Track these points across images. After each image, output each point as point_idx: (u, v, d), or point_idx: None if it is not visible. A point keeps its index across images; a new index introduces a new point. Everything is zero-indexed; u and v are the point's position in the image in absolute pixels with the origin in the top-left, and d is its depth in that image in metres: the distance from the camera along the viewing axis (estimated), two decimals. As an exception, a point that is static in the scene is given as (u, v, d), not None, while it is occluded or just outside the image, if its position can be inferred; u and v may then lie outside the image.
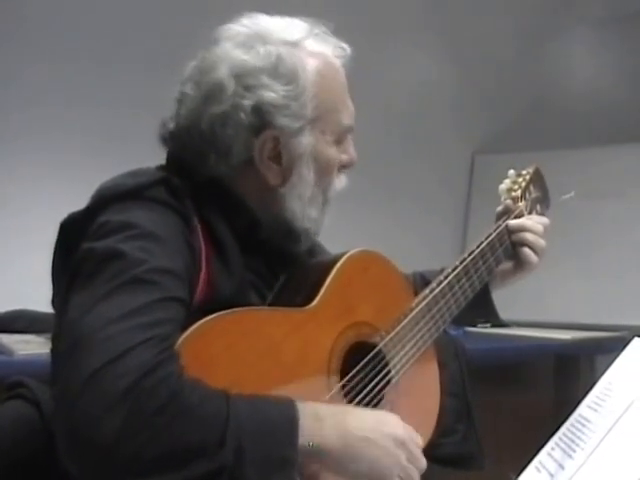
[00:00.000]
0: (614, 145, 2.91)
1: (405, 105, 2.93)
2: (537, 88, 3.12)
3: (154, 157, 1.13)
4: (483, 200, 3.01)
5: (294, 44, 1.08)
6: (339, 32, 1.14)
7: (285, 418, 0.88)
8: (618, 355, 1.03)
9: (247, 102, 1.04)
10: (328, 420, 0.91)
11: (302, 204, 1.10)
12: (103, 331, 0.83)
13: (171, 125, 1.11)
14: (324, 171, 1.11)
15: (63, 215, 1.03)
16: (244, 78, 1.05)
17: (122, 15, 2.39)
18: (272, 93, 1.05)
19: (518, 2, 3.07)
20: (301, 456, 0.88)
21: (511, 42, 3.11)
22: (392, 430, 0.96)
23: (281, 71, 1.05)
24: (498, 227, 1.32)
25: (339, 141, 1.13)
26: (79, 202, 1.03)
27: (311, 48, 1.09)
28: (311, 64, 1.08)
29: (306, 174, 1.09)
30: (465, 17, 3.01)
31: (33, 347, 1.72)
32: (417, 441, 0.99)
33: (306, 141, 1.08)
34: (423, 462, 0.99)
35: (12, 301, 1.99)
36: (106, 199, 0.99)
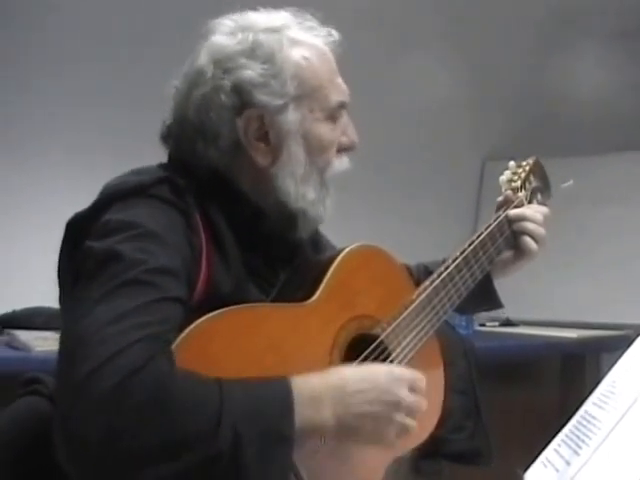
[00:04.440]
0: (619, 153, 2.96)
1: (421, 113, 2.95)
2: (545, 99, 3.15)
3: (163, 155, 1.14)
4: (492, 204, 3.03)
5: (274, 30, 1.09)
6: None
7: (279, 396, 0.89)
8: (623, 353, 1.03)
9: (226, 83, 1.06)
10: (325, 399, 0.92)
11: (295, 183, 1.09)
12: (96, 335, 0.84)
13: (168, 122, 1.13)
14: (317, 149, 1.11)
15: (78, 213, 1.04)
16: (222, 62, 1.07)
17: (136, 15, 2.42)
18: (249, 71, 1.06)
19: (530, 16, 3.08)
20: (299, 435, 0.89)
21: (522, 54, 3.14)
22: (390, 397, 0.97)
23: (258, 53, 1.07)
24: (498, 217, 1.33)
25: (331, 118, 1.12)
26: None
27: (293, 34, 1.10)
28: (291, 46, 1.09)
29: (296, 151, 1.09)
30: (479, 30, 3.04)
31: (50, 344, 1.73)
32: (419, 384, 1.01)
33: (292, 118, 1.08)
34: (422, 406, 1.01)
35: (30, 298, 2.01)
36: (109, 198, 1.01)
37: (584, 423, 0.96)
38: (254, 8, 1.14)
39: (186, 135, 1.09)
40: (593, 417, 0.96)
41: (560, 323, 2.74)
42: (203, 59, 1.09)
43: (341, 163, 1.15)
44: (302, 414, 0.89)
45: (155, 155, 1.12)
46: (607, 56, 3.15)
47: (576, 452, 0.92)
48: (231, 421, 0.84)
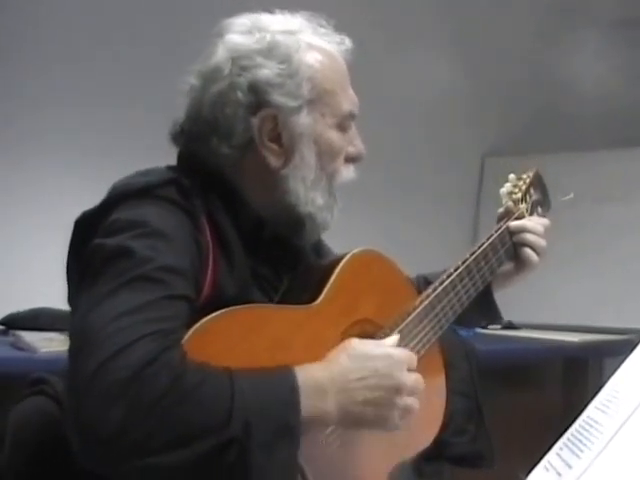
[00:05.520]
0: (622, 149, 2.91)
1: (418, 109, 2.95)
2: (544, 93, 3.13)
3: (164, 157, 1.15)
4: (493, 201, 3.00)
5: (290, 32, 1.11)
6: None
7: (285, 387, 0.91)
8: (626, 358, 1.03)
9: (243, 80, 1.07)
10: (328, 389, 0.94)
11: (305, 187, 1.10)
12: (108, 327, 0.85)
13: (180, 120, 1.13)
14: (327, 155, 1.12)
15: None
16: (240, 59, 1.08)
17: (137, 15, 2.42)
18: (266, 70, 1.07)
19: (529, 7, 3.07)
20: (303, 425, 0.90)
21: (520, 47, 3.11)
22: (391, 382, 0.99)
23: (275, 53, 1.08)
24: (499, 228, 1.34)
25: (341, 127, 1.13)
26: (98, 201, 1.05)
27: (309, 39, 1.12)
28: (307, 49, 1.10)
29: (308, 155, 1.10)
30: (477, 23, 3.03)
31: (56, 345, 1.74)
32: (414, 363, 1.03)
33: (305, 121, 1.09)
34: (420, 385, 1.02)
35: (34, 299, 2.02)
36: (117, 197, 1.02)
37: (586, 427, 0.97)
38: (267, 9, 1.16)
39: (199, 132, 1.10)
40: (595, 421, 0.96)
41: (562, 327, 2.73)
42: (220, 56, 1.10)
43: (348, 172, 1.16)
44: (307, 404, 0.91)
45: (154, 155, 1.13)
46: (608, 46, 3.09)
47: (578, 456, 0.92)
48: (242, 412, 0.86)
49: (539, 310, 2.76)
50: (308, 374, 0.94)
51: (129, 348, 0.84)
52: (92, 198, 1.06)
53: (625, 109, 3.07)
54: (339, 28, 1.17)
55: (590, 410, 1.00)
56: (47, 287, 1.90)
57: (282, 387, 0.91)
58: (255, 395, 0.88)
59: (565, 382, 2.67)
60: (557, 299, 2.79)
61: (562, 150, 2.89)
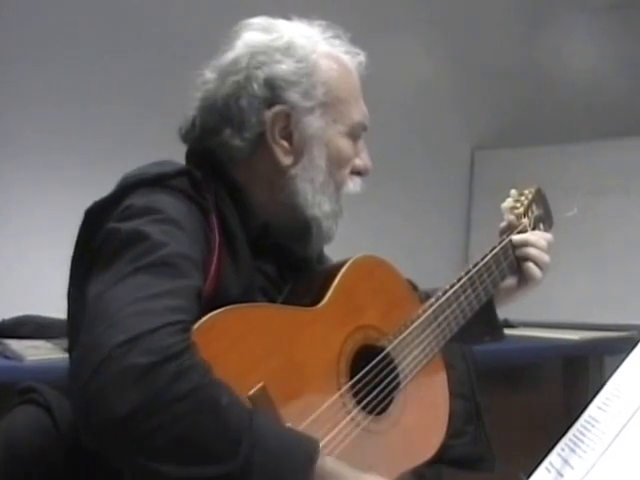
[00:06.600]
0: (616, 138, 2.87)
1: (404, 102, 2.91)
2: (536, 81, 3.09)
3: (150, 155, 1.13)
4: (484, 195, 3.00)
5: (307, 37, 1.14)
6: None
7: (305, 451, 0.88)
8: (627, 355, 1.02)
9: (260, 74, 1.09)
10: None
11: (313, 189, 1.12)
12: (128, 307, 0.84)
13: (191, 113, 1.14)
14: (336, 161, 1.13)
15: (67, 220, 1.05)
16: (258, 54, 1.11)
17: (120, 13, 2.40)
18: (284, 66, 1.10)
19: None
20: None
21: (510, 35, 3.09)
22: None
23: (292, 52, 1.11)
24: (502, 241, 1.33)
25: (351, 135, 1.15)
26: (82, 207, 1.04)
27: (324, 47, 1.14)
28: (323, 55, 1.13)
29: (318, 157, 1.12)
30: (463, 11, 3.01)
31: (43, 353, 1.73)
32: None
33: (317, 123, 1.11)
34: None
35: (18, 307, 2.00)
36: (130, 186, 1.03)
37: (588, 427, 0.97)
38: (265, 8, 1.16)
39: (212, 124, 1.11)
40: (597, 421, 0.96)
41: (561, 324, 2.71)
42: (239, 50, 1.12)
43: (355, 185, 1.17)
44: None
45: (148, 157, 1.11)
46: (601, 32, 3.06)
47: (580, 457, 0.92)
48: (249, 450, 0.82)
49: (536, 307, 2.72)
50: (330, 457, 0.91)
51: (150, 334, 0.81)
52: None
53: (616, 98, 3.04)
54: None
55: (591, 409, 1.00)
56: (32, 294, 1.89)
57: (301, 448, 0.87)
58: (271, 441, 0.85)
59: (565, 381, 2.65)
60: (554, 295, 2.75)
61: (555, 141, 2.84)
